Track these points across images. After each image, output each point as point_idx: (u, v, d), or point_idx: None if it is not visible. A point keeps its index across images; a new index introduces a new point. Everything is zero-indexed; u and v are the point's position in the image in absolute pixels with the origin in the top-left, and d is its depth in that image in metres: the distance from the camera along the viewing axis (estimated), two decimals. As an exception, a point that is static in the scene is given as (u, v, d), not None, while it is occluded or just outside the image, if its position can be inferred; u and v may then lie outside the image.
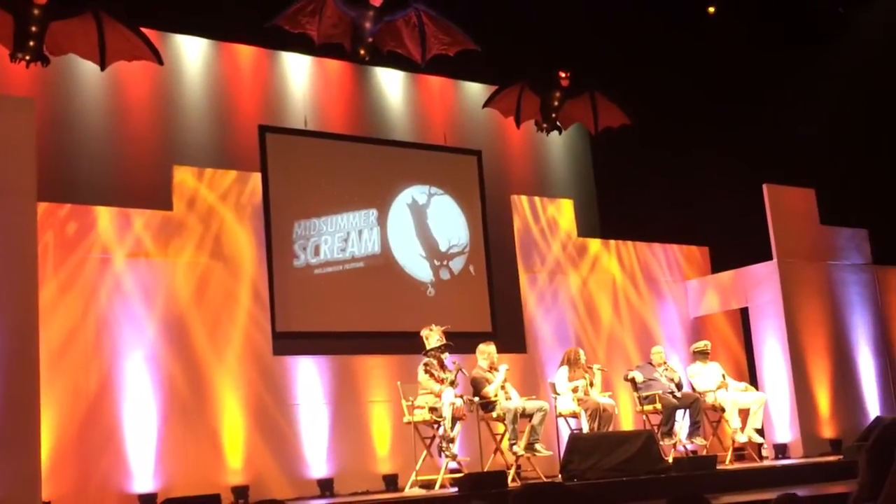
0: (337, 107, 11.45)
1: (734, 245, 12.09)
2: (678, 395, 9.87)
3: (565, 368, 9.53)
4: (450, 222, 11.30)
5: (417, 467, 8.58)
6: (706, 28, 12.56)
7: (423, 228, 11.09)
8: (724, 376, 10.26)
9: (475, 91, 12.28)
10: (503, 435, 8.91)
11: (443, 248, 11.17)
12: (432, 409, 8.52)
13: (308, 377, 9.64)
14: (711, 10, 12.52)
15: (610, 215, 12.79)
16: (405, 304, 10.69)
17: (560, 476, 8.42)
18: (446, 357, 8.79)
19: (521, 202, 11.51)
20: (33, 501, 7.12)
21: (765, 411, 10.44)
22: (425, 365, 8.73)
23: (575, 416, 9.35)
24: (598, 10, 11.64)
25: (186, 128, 10.34)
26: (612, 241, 12.12)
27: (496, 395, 8.87)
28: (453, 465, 8.64)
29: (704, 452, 9.91)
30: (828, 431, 11.09)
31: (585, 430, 9.05)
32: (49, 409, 7.87)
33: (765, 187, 11.42)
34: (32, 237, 7.67)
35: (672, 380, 10.00)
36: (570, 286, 11.52)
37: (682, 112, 12.39)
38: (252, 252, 9.58)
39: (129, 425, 8.50)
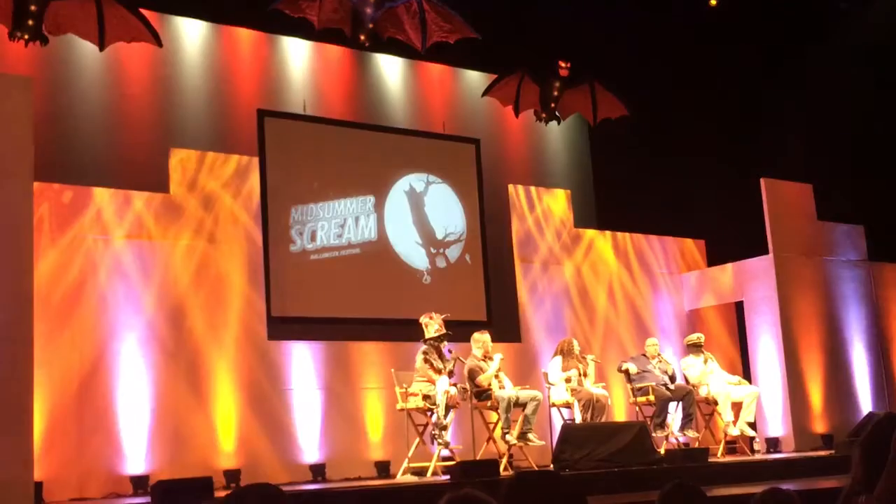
0: (336, 92, 11.42)
1: (730, 239, 12.10)
2: (671, 387, 9.89)
3: (559, 358, 9.54)
4: (447, 210, 11.30)
5: (410, 454, 8.59)
6: (707, 21, 12.54)
7: (419, 216, 11.08)
8: (706, 361, 10.26)
9: (474, 79, 12.26)
10: (496, 424, 8.92)
11: (439, 236, 11.17)
12: (426, 397, 8.54)
13: (302, 362, 9.64)
14: (713, 2, 12.49)
15: (607, 206, 12.79)
16: (401, 291, 10.69)
17: (552, 466, 8.43)
18: (445, 346, 8.81)
19: (518, 191, 11.50)
20: (25, 482, 7.12)
21: (757, 405, 10.45)
22: (424, 353, 8.74)
23: (568, 406, 9.37)
24: (599, 0, 11.62)
25: (185, 110, 10.32)
26: (609, 233, 12.13)
27: (490, 384, 8.88)
28: (446, 452, 8.65)
29: (696, 445, 9.93)
30: (820, 426, 11.13)
31: (578, 420, 9.07)
32: (42, 390, 7.87)
33: (762, 181, 11.42)
34: (28, 217, 7.65)
35: (665, 372, 10.03)
36: (565, 276, 11.52)
37: (681, 105, 12.38)
38: (248, 236, 9.57)
39: (123, 407, 8.51)
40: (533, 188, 11.67)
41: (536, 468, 8.91)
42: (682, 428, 9.85)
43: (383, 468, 9.51)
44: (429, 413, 8.60)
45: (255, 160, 9.84)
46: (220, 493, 6.54)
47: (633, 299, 12.00)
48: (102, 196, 8.82)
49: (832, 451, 9.76)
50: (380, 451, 9.73)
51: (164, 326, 8.88)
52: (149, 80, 10.17)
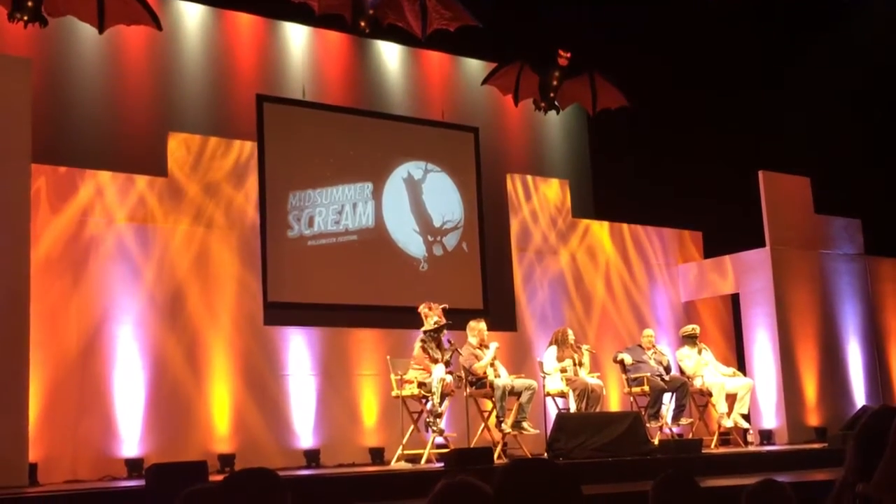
0: (335, 79, 11.40)
1: (727, 231, 12.10)
2: (666, 378, 9.92)
3: (554, 348, 9.56)
4: (445, 198, 11.29)
5: (404, 441, 8.62)
6: (707, 12, 12.50)
7: (417, 204, 11.08)
8: (700, 352, 10.29)
9: (474, 68, 12.24)
10: (491, 412, 8.94)
11: (437, 223, 11.17)
12: (421, 385, 8.56)
13: (298, 348, 9.65)
14: None
15: (604, 197, 12.79)
16: (397, 278, 10.70)
17: (546, 454, 8.45)
18: (444, 335, 8.83)
19: (516, 181, 11.50)
20: (20, 463, 7.14)
21: (751, 397, 10.49)
22: (422, 341, 8.76)
23: (563, 395, 9.39)
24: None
25: (183, 94, 10.29)
26: (606, 223, 12.13)
27: (485, 373, 8.89)
28: (440, 440, 8.68)
29: (690, 436, 9.96)
30: (813, 419, 11.16)
31: (573, 409, 9.09)
32: (38, 373, 7.87)
33: (760, 174, 11.43)
34: (26, 198, 7.65)
35: (661, 363, 10.06)
36: (562, 266, 11.53)
37: (680, 96, 12.36)
38: (246, 221, 9.57)
39: (118, 390, 8.51)
40: (531, 177, 11.67)
41: (530, 456, 8.93)
42: (676, 419, 9.88)
43: (377, 455, 9.53)
44: (424, 400, 8.62)
45: (254, 145, 9.82)
46: (215, 478, 6.56)
47: (629, 290, 12.01)
48: (100, 178, 8.81)
49: (825, 444, 9.80)
50: (374, 438, 9.74)
51: (160, 310, 8.88)
52: (148, 63, 10.15)
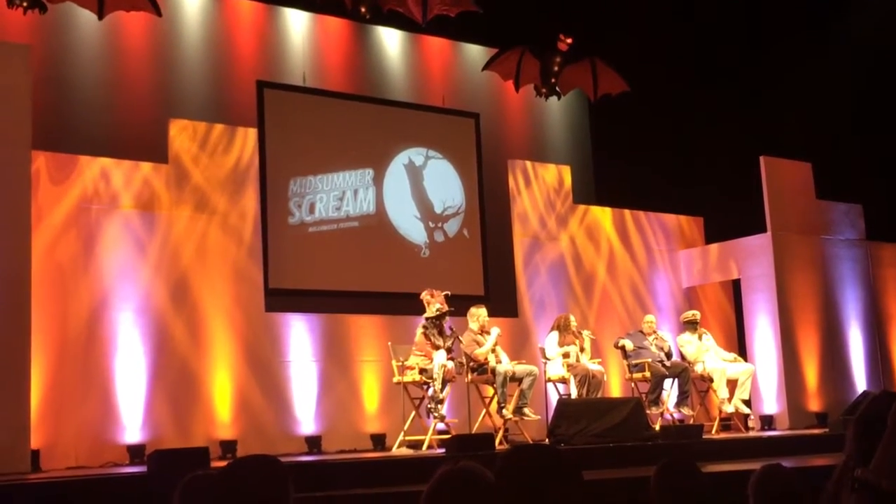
0: (336, 65, 11.37)
1: (728, 216, 12.10)
2: (667, 364, 9.93)
3: (555, 334, 9.56)
4: (446, 184, 11.28)
5: (405, 427, 8.63)
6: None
7: (418, 190, 11.07)
8: (700, 338, 10.30)
9: (475, 53, 12.21)
10: (492, 398, 8.95)
11: (438, 210, 11.16)
12: (422, 371, 8.56)
13: (299, 334, 9.66)
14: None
15: (606, 182, 12.77)
16: (399, 265, 10.70)
17: (547, 440, 8.47)
18: (447, 321, 8.83)
19: (517, 166, 11.49)
20: (22, 449, 7.16)
21: (752, 382, 10.50)
22: (424, 328, 8.77)
23: (564, 381, 9.40)
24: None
25: (184, 81, 10.27)
26: (608, 209, 12.12)
27: (487, 359, 8.90)
28: (441, 426, 8.69)
29: (691, 421, 9.97)
30: (814, 405, 11.17)
31: (574, 395, 9.10)
32: (40, 359, 7.88)
33: (762, 160, 11.42)
34: (26, 185, 7.65)
35: (662, 349, 10.07)
36: (563, 252, 11.53)
37: (681, 82, 12.34)
38: (247, 208, 9.57)
39: (120, 376, 8.53)
40: (532, 163, 11.66)
41: (532, 442, 8.95)
42: (677, 404, 9.90)
43: (379, 441, 9.55)
44: (425, 387, 8.63)
45: (254, 132, 9.81)
46: (217, 464, 6.57)
47: (630, 275, 12.02)
48: (100, 165, 8.80)
49: (826, 430, 9.81)
50: (376, 424, 9.76)
51: (161, 296, 8.88)
52: (148, 49, 10.12)
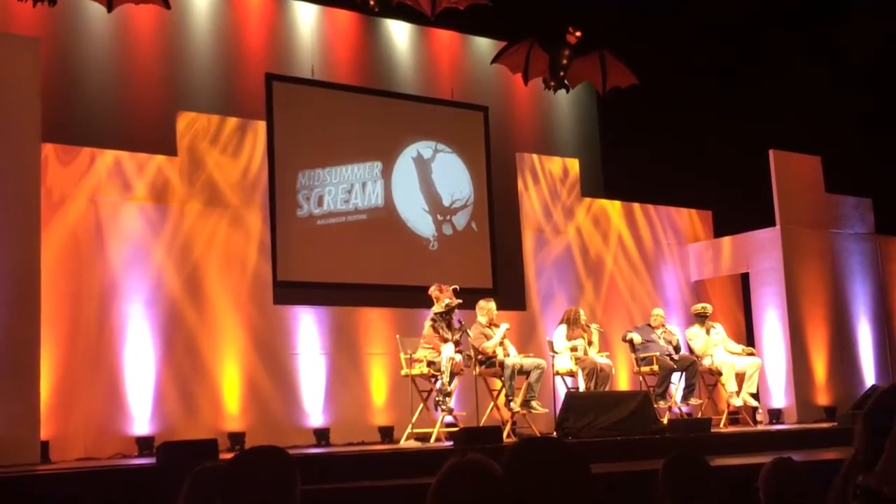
0: (344, 57, 11.37)
1: (738, 210, 12.07)
2: (675, 357, 9.91)
3: (564, 327, 9.56)
4: (454, 177, 11.27)
5: (413, 420, 8.65)
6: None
7: (427, 183, 11.06)
8: (708, 331, 10.28)
9: (484, 46, 12.19)
10: (500, 391, 8.96)
11: (446, 203, 11.15)
12: (430, 363, 8.57)
13: (308, 327, 9.67)
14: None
15: (614, 175, 12.75)
16: (407, 257, 10.69)
17: (555, 433, 8.47)
18: (455, 314, 8.84)
19: (525, 160, 11.48)
20: (32, 441, 7.18)
21: (761, 376, 10.48)
22: (432, 321, 8.77)
23: (572, 374, 9.40)
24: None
25: (192, 73, 10.27)
26: (616, 202, 12.10)
27: (495, 352, 8.90)
28: (449, 419, 8.70)
29: (699, 415, 9.96)
30: (823, 398, 11.15)
31: (582, 388, 9.10)
32: (49, 351, 7.90)
33: (771, 153, 11.38)
34: (35, 177, 7.67)
35: (670, 342, 10.05)
36: (571, 245, 11.52)
37: (690, 75, 12.30)
38: (255, 201, 9.58)
39: (129, 368, 8.55)
40: (540, 157, 11.65)
41: (540, 435, 8.95)
42: (685, 398, 9.88)
43: (387, 433, 9.56)
44: (433, 379, 8.64)
45: (263, 124, 9.82)
46: (225, 456, 6.59)
47: (639, 269, 12.00)
48: (109, 158, 8.82)
49: (834, 424, 9.78)
50: (384, 417, 9.78)
51: (169, 289, 8.90)
52: (157, 42, 10.12)
